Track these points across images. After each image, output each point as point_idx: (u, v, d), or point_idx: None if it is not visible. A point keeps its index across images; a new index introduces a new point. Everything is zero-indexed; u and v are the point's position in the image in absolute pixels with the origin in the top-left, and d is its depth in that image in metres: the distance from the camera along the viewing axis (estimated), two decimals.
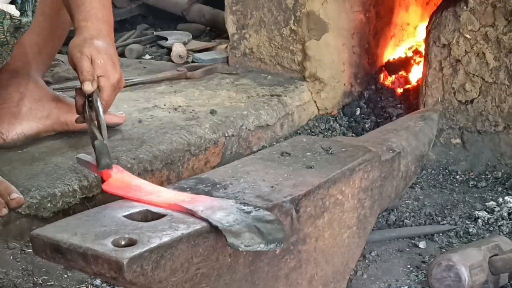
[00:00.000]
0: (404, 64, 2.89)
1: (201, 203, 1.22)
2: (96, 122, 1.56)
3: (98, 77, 1.62)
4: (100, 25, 1.69)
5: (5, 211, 1.52)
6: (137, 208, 1.21)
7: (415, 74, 2.82)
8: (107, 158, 1.37)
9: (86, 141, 1.91)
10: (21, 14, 1.80)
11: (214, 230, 1.16)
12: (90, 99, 1.61)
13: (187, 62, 3.05)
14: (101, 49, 1.63)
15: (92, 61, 1.61)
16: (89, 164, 1.42)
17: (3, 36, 1.66)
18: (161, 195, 1.26)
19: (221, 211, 1.19)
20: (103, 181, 1.36)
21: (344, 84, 2.75)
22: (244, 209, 1.21)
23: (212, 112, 2.31)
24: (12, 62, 1.94)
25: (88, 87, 1.58)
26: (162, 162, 1.99)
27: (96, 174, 1.42)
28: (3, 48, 1.71)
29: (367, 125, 2.63)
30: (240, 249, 1.13)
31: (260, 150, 2.19)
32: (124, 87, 2.56)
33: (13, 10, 1.70)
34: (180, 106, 2.37)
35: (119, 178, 1.33)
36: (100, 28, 1.68)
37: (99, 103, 1.57)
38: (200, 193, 1.31)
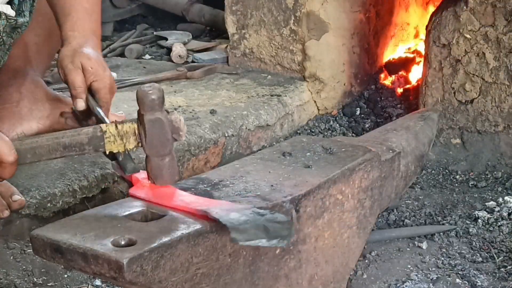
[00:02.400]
0: (404, 64, 2.89)
1: (218, 206, 1.22)
2: None
3: (91, 82, 1.60)
4: (87, 34, 1.67)
5: (6, 213, 1.52)
6: (137, 208, 1.21)
7: (415, 74, 2.82)
8: (132, 163, 1.36)
9: None
10: (18, 15, 1.80)
11: (216, 230, 1.15)
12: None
13: (187, 62, 3.05)
14: (91, 56, 1.61)
15: (84, 69, 1.59)
16: (119, 169, 1.39)
17: None
18: (183, 200, 1.26)
19: (235, 213, 1.19)
20: (131, 185, 1.34)
21: (344, 84, 2.75)
22: (259, 212, 1.21)
23: (212, 112, 2.31)
24: (12, 62, 1.94)
25: (81, 105, 1.55)
26: None
27: (125, 179, 1.39)
28: None
29: (367, 125, 2.63)
30: (240, 243, 1.12)
31: (260, 150, 2.19)
32: (124, 87, 2.58)
33: (8, 10, 1.69)
34: (180, 106, 2.37)
35: (145, 183, 1.32)
36: (87, 37, 1.67)
37: (102, 114, 1.54)
38: (200, 193, 1.31)
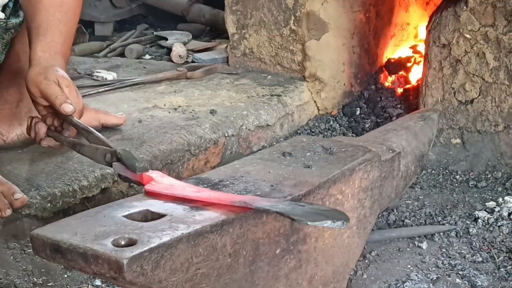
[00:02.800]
0: (404, 64, 2.89)
1: (254, 200, 1.23)
2: (85, 139, 1.51)
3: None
4: (57, 57, 1.64)
5: (9, 211, 1.53)
6: (137, 208, 1.21)
7: (415, 74, 2.82)
8: (138, 162, 1.36)
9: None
10: (13, 15, 1.80)
11: (214, 230, 1.16)
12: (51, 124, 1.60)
13: (187, 62, 3.05)
14: (65, 76, 1.60)
15: (59, 86, 1.57)
16: (125, 171, 1.38)
17: None
18: (209, 194, 1.27)
19: (278, 204, 1.21)
20: (142, 184, 1.33)
21: (344, 84, 2.75)
22: (298, 203, 1.24)
23: (212, 112, 2.31)
24: (13, 63, 1.94)
25: (70, 108, 1.53)
26: (162, 162, 1.99)
27: (131, 180, 1.39)
28: None
29: (367, 125, 2.63)
30: (308, 223, 1.15)
31: (260, 150, 2.19)
32: (124, 87, 2.59)
33: None
34: (180, 106, 2.38)
35: (160, 180, 1.31)
36: (57, 60, 1.64)
37: (82, 123, 1.54)
38: None
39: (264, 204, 1.20)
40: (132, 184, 1.89)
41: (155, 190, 1.28)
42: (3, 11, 1.79)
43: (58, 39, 1.67)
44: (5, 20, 1.78)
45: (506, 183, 2.24)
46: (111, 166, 1.40)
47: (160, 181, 1.31)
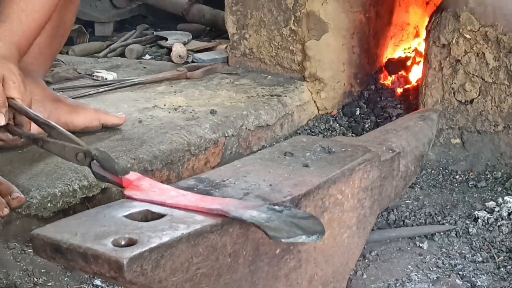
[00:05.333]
0: (404, 64, 2.89)
1: (230, 205, 1.21)
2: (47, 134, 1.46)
3: (12, 98, 1.51)
4: (12, 48, 1.58)
5: (6, 211, 1.52)
6: (137, 208, 1.21)
7: (415, 74, 2.82)
8: (118, 165, 1.31)
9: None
10: None
11: (218, 229, 1.16)
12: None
13: (187, 62, 3.05)
14: (14, 70, 1.53)
15: (4, 81, 1.51)
16: (105, 173, 1.32)
17: None
18: (187, 199, 1.25)
19: (252, 210, 1.19)
20: (121, 186, 1.30)
21: (344, 84, 2.75)
22: (275, 208, 1.21)
23: (212, 112, 2.31)
24: None
25: (1, 121, 1.47)
26: (162, 162, 1.99)
27: (111, 181, 1.33)
28: None
29: (367, 125, 2.63)
30: (282, 241, 1.12)
31: (260, 150, 2.19)
32: (124, 87, 2.59)
33: None
34: (180, 106, 2.38)
35: (140, 184, 1.29)
36: (11, 51, 1.57)
37: (42, 117, 1.47)
38: (200, 192, 1.31)
39: (240, 213, 1.18)
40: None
41: (134, 197, 1.26)
42: None
43: (17, 29, 1.61)
44: None
45: (506, 183, 2.24)
46: (83, 165, 1.35)
47: (139, 184, 1.28)
